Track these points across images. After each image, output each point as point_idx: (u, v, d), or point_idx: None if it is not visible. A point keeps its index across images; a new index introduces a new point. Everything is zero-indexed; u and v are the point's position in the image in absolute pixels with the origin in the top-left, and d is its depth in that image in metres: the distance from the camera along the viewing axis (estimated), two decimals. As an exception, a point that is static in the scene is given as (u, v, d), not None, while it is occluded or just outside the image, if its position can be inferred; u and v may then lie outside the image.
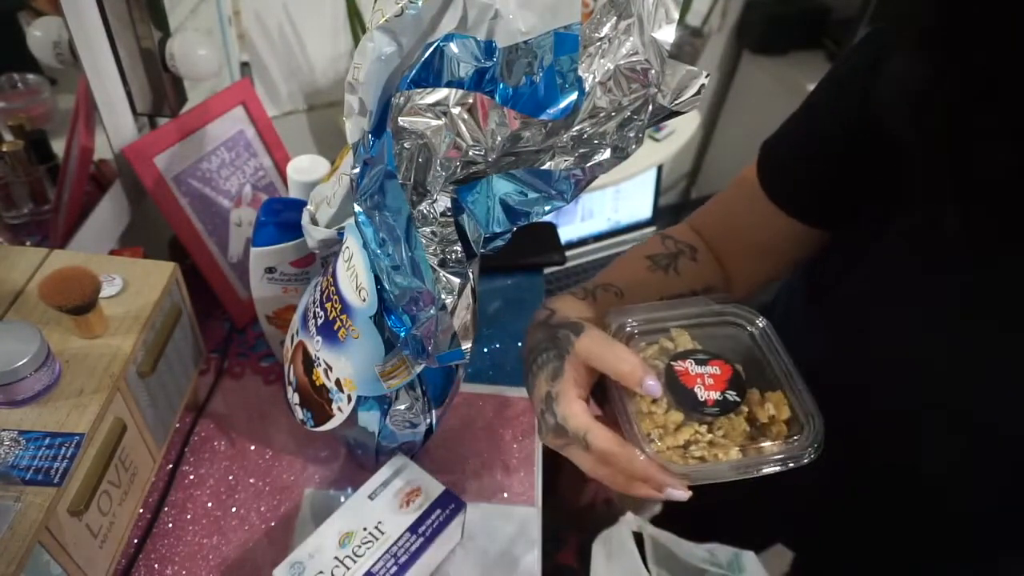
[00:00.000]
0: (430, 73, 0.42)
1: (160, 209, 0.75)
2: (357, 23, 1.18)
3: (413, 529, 0.58)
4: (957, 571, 0.66)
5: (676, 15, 0.42)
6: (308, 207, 0.58)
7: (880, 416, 0.58)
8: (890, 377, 0.56)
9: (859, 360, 0.58)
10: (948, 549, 0.63)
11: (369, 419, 0.59)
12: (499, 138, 0.42)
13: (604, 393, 0.49)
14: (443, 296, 0.44)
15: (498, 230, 0.45)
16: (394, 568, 0.56)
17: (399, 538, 0.57)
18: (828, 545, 0.73)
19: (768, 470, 0.45)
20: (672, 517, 0.86)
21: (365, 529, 0.57)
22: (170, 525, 0.64)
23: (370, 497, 0.60)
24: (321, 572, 0.55)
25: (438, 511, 0.60)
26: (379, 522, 0.58)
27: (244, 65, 1.10)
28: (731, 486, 0.45)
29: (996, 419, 0.51)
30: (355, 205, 0.46)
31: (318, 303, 0.56)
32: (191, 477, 0.68)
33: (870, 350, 0.57)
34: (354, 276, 0.51)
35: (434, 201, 0.43)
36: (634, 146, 0.44)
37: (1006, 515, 0.57)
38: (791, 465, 0.45)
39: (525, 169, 0.43)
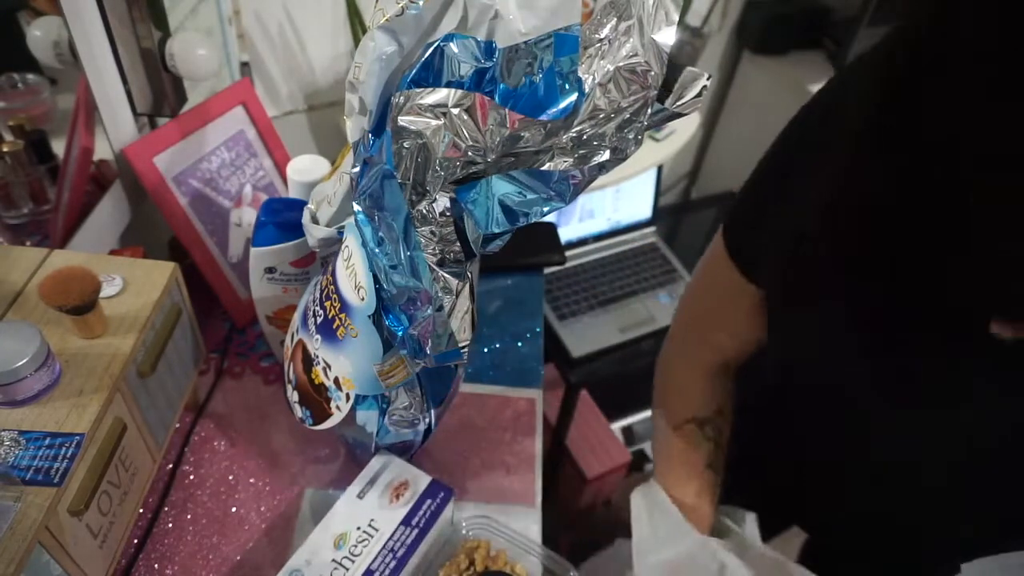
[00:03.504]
0: (430, 73, 0.42)
1: (160, 209, 0.75)
2: (357, 23, 1.18)
3: (406, 522, 0.58)
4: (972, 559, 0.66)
5: (676, 17, 0.42)
6: (309, 206, 0.58)
7: (876, 416, 0.58)
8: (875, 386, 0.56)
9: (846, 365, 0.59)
10: (962, 543, 0.63)
11: (368, 418, 0.59)
12: (498, 138, 0.42)
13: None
14: (441, 296, 0.44)
15: (497, 231, 0.45)
16: (392, 563, 0.56)
17: (393, 532, 0.57)
18: (844, 528, 0.72)
19: None
20: None
21: (359, 528, 0.58)
22: (170, 525, 0.64)
23: (359, 496, 0.60)
24: None
25: (428, 501, 0.60)
26: (371, 520, 0.58)
27: (244, 65, 1.10)
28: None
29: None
30: (354, 204, 0.46)
31: (318, 302, 0.56)
32: (191, 477, 0.68)
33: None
34: (353, 275, 0.51)
35: (433, 201, 0.43)
36: (633, 147, 0.44)
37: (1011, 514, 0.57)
38: None
39: (524, 170, 0.43)
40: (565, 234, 1.52)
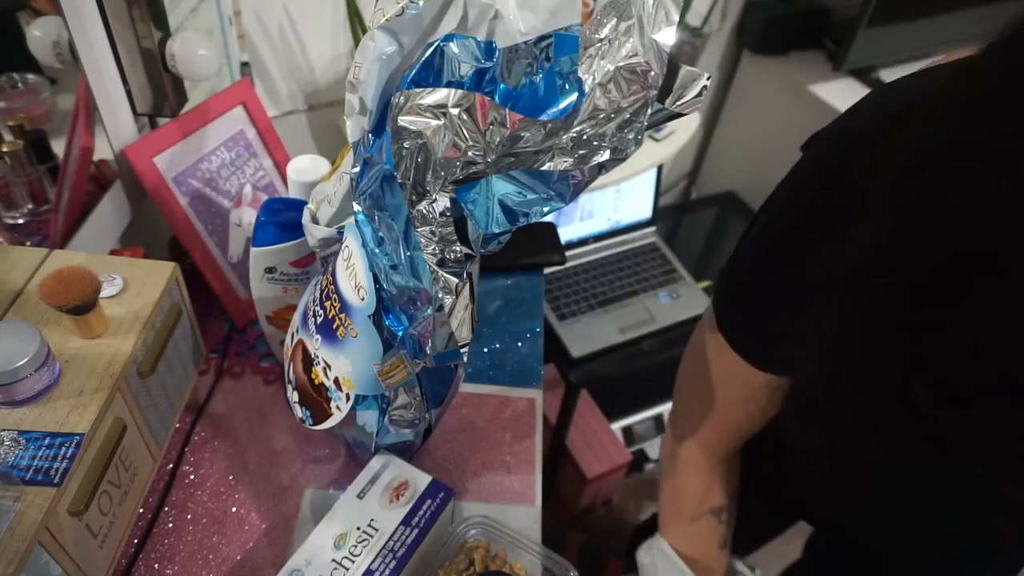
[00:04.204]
0: (430, 73, 0.42)
1: (160, 209, 0.75)
2: (357, 23, 1.18)
3: (406, 522, 0.58)
4: (977, 561, 0.66)
5: (676, 17, 0.42)
6: (309, 206, 0.58)
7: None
8: None
9: None
10: (968, 544, 0.63)
11: (367, 418, 0.59)
12: (498, 138, 0.42)
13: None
14: (441, 296, 0.44)
15: (497, 231, 0.45)
16: (392, 563, 0.56)
17: (393, 532, 0.57)
18: (848, 527, 0.72)
19: None
20: None
21: (359, 528, 0.58)
22: (170, 525, 0.64)
23: (359, 496, 0.60)
24: None
25: (428, 501, 0.60)
26: (371, 520, 0.58)
27: (244, 65, 1.10)
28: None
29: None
30: (354, 204, 0.46)
31: (318, 301, 0.56)
32: (191, 477, 0.68)
33: None
34: (353, 275, 0.51)
35: (433, 201, 0.43)
36: (633, 147, 0.44)
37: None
38: None
39: (524, 170, 0.43)
40: (565, 234, 1.52)
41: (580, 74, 0.42)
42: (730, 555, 0.69)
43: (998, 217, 0.35)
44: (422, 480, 0.61)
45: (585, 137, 0.43)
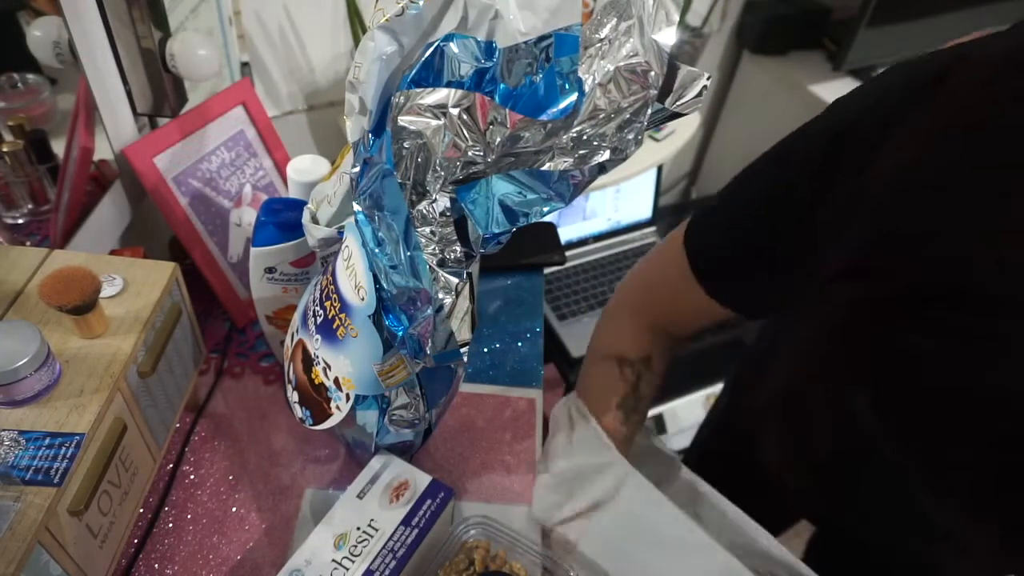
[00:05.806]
0: (430, 73, 0.42)
1: (160, 209, 0.75)
2: (357, 23, 1.18)
3: (406, 522, 0.58)
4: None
5: (676, 17, 0.42)
6: (309, 206, 0.58)
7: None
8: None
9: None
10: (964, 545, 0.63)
11: (367, 418, 0.59)
12: (498, 138, 0.42)
13: None
14: (441, 296, 0.44)
15: (497, 231, 0.45)
16: (392, 563, 0.56)
17: (393, 532, 0.57)
18: (852, 523, 0.72)
19: None
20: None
21: (359, 528, 0.58)
22: (170, 525, 0.64)
23: (359, 496, 0.60)
24: None
25: (428, 501, 0.60)
26: (371, 520, 0.58)
27: (244, 65, 1.10)
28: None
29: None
30: (354, 204, 0.46)
31: (318, 301, 0.56)
32: (191, 477, 0.68)
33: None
34: (353, 275, 0.51)
35: (433, 201, 0.43)
36: (633, 147, 0.44)
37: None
38: None
39: (524, 170, 0.43)
40: (565, 234, 1.52)
41: (580, 74, 0.42)
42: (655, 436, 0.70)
43: (964, 261, 0.38)
44: (422, 480, 0.61)
45: (585, 137, 0.43)
